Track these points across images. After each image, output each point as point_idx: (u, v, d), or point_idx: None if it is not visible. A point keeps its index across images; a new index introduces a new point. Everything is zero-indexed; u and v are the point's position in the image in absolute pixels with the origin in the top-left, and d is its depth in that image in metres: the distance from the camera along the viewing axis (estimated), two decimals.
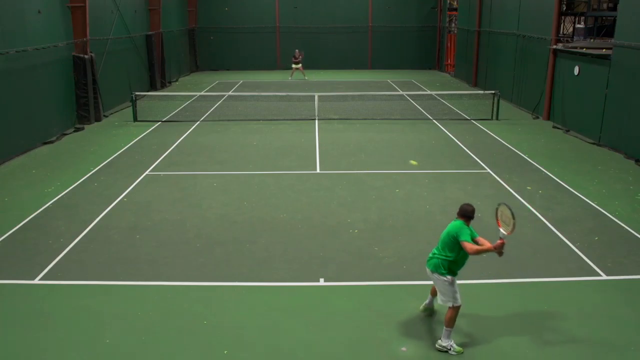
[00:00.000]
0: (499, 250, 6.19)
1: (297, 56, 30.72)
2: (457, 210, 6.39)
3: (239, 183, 12.38)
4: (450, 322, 6.29)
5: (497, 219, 6.43)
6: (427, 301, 7.04)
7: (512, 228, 6.16)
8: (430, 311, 7.06)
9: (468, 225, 6.31)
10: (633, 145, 14.48)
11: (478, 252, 6.17)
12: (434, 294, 6.80)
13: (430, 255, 6.48)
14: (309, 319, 7.01)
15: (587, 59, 16.99)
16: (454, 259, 6.26)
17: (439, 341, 6.38)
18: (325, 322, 6.94)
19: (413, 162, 10.12)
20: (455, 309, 6.28)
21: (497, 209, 6.42)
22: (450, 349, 6.28)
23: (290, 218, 10.35)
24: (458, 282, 6.43)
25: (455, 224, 6.29)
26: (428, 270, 6.50)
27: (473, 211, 6.31)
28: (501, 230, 6.29)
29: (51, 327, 6.83)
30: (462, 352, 6.29)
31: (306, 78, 30.77)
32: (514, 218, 6.08)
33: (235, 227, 9.88)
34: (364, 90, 26.36)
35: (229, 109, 21.67)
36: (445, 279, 6.27)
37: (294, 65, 30.86)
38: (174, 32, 30.43)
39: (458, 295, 6.29)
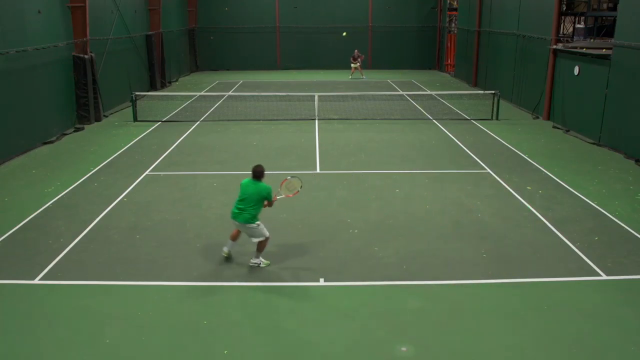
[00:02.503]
0: (272, 204, 8.25)
1: (355, 56, 31.42)
2: (254, 172, 8.07)
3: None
4: (262, 248, 8.26)
5: (282, 182, 8.61)
6: (227, 248, 8.53)
7: (293, 195, 8.64)
8: (230, 255, 8.59)
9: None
10: (633, 145, 14.48)
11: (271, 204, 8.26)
12: (234, 239, 8.49)
13: (237, 210, 8.01)
14: (309, 319, 7.01)
15: (587, 59, 16.99)
16: (259, 211, 8.06)
17: (252, 260, 8.30)
18: (325, 322, 6.94)
19: (344, 34, 10.61)
20: (266, 240, 8.20)
21: (286, 179, 8.63)
22: (260, 264, 8.31)
23: (290, 218, 10.35)
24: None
25: (264, 186, 8.00)
26: (236, 223, 8.05)
27: (263, 170, 8.12)
28: (281, 191, 8.53)
29: (51, 327, 6.83)
30: (269, 264, 8.34)
31: (364, 77, 31.41)
32: (300, 189, 8.67)
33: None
34: (364, 90, 26.36)
35: (229, 109, 21.67)
36: (256, 225, 8.00)
37: (352, 65, 31.51)
38: (174, 32, 30.44)
39: (265, 230, 8.11)
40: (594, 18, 21.19)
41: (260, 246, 8.25)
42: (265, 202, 8.13)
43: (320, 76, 32.53)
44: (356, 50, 32.10)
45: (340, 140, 16.35)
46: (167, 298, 7.51)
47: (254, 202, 7.96)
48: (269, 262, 8.45)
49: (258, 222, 8.05)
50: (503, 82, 23.67)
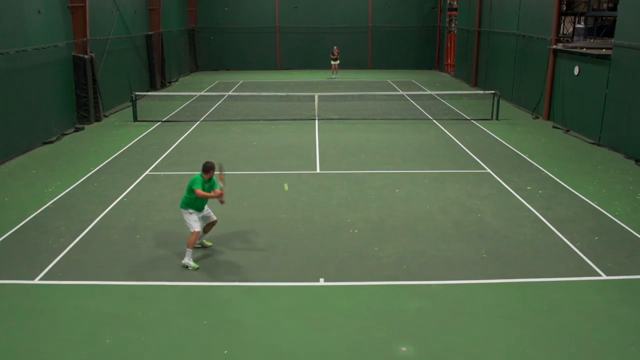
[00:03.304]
0: (219, 197, 8.44)
1: (335, 53, 31.51)
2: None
3: (239, 183, 12.37)
4: (190, 244, 8.36)
5: (220, 176, 8.75)
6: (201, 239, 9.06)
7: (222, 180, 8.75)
8: (202, 245, 9.05)
9: (208, 178, 8.40)
10: (633, 145, 14.48)
11: (204, 197, 8.33)
12: (206, 231, 8.93)
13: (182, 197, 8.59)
14: (309, 319, 7.01)
15: (587, 59, 16.99)
16: (190, 199, 8.38)
17: (183, 260, 8.40)
18: (325, 322, 6.94)
19: (285, 187, 10.56)
20: (194, 234, 8.37)
21: (220, 167, 8.80)
22: (188, 266, 8.36)
23: (290, 218, 10.35)
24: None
25: (196, 177, 8.37)
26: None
27: (210, 167, 8.41)
28: (221, 183, 8.63)
29: (51, 327, 6.83)
30: (197, 268, 8.37)
31: (334, 77, 31.48)
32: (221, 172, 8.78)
33: (235, 227, 9.88)
34: (364, 90, 26.36)
35: (229, 109, 21.67)
36: (186, 211, 8.44)
37: (333, 62, 31.56)
38: (174, 32, 30.43)
39: (194, 224, 8.40)
40: (594, 18, 21.19)
41: (189, 241, 8.38)
42: (212, 194, 8.36)
43: (321, 76, 32.51)
44: (335, 47, 32.05)
45: (340, 140, 16.35)
46: (167, 298, 7.51)
47: (188, 190, 8.42)
48: (197, 266, 8.42)
49: (191, 211, 8.43)
50: (503, 82, 23.67)
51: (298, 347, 6.43)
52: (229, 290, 7.75)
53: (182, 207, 8.47)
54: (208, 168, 8.37)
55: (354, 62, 36.43)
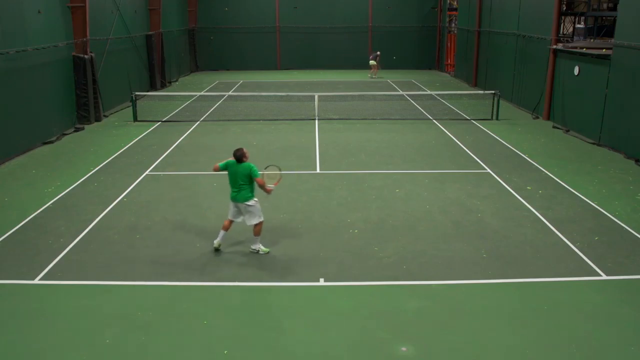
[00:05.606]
0: (269, 192, 8.74)
1: (375, 55, 32.00)
2: (236, 154, 8.53)
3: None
4: (259, 232, 8.71)
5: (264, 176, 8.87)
6: (219, 239, 8.87)
7: (278, 181, 8.96)
8: (220, 247, 8.91)
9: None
10: (633, 145, 14.48)
11: (263, 185, 8.58)
12: (225, 229, 8.87)
13: (235, 194, 8.55)
14: (309, 319, 7.01)
15: (587, 59, 16.99)
16: (252, 188, 8.59)
17: (252, 246, 8.78)
18: (325, 322, 6.94)
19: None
20: (261, 223, 8.67)
21: (263, 173, 8.86)
22: (259, 250, 8.76)
23: (290, 218, 10.35)
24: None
25: (245, 165, 8.46)
26: (239, 205, 8.55)
27: (242, 154, 8.55)
28: (271, 185, 8.79)
29: (51, 327, 6.83)
30: (268, 252, 8.77)
31: (370, 76, 31.81)
32: (280, 169, 9.03)
33: (235, 227, 9.85)
34: (364, 90, 26.36)
35: (229, 109, 21.67)
36: (254, 202, 8.56)
37: (373, 63, 31.98)
38: (174, 32, 30.43)
39: (261, 212, 8.66)
40: (594, 18, 21.20)
41: (256, 230, 8.69)
42: (261, 183, 8.53)
43: (320, 76, 32.52)
44: (378, 52, 32.66)
45: (340, 140, 16.35)
46: (167, 298, 7.51)
47: (244, 181, 8.50)
48: (268, 250, 8.85)
49: (256, 199, 8.63)
50: (503, 82, 23.67)
51: (298, 347, 6.43)
52: (229, 290, 7.75)
53: (249, 199, 8.50)
54: (241, 155, 8.54)
55: (354, 63, 36.47)
